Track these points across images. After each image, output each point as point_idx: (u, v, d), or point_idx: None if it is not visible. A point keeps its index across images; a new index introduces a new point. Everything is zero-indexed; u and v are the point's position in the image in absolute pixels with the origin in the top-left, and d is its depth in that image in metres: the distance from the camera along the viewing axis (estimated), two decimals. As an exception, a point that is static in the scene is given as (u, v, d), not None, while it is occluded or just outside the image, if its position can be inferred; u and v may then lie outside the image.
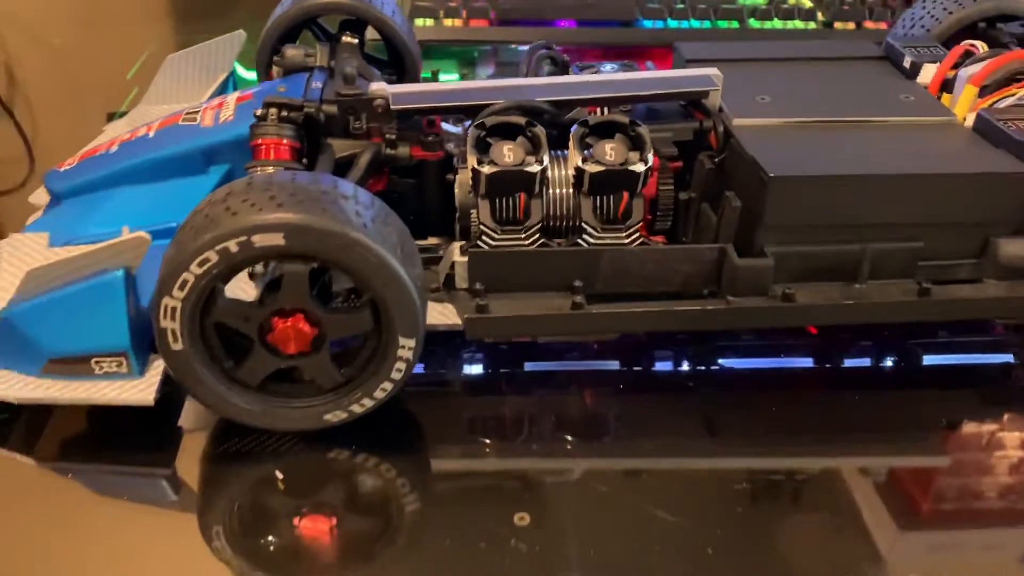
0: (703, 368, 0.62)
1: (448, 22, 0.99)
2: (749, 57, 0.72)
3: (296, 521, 0.51)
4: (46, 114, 1.04)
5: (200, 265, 0.47)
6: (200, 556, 0.49)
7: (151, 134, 0.63)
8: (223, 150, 0.61)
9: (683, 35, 0.99)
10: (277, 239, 0.47)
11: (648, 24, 1.01)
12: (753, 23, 1.01)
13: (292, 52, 0.66)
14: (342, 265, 0.48)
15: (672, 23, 1.01)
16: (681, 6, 1.01)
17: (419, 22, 0.99)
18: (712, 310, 0.58)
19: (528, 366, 0.62)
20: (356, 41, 0.74)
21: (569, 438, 0.56)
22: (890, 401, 0.60)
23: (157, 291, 0.48)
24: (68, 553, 0.50)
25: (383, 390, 0.52)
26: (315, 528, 0.51)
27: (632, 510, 0.52)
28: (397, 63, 0.78)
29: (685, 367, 0.62)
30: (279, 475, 0.53)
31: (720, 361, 0.62)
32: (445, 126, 0.65)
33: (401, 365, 0.51)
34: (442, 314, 0.59)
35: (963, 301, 0.59)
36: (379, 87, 0.63)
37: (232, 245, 0.46)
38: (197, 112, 0.63)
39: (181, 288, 0.47)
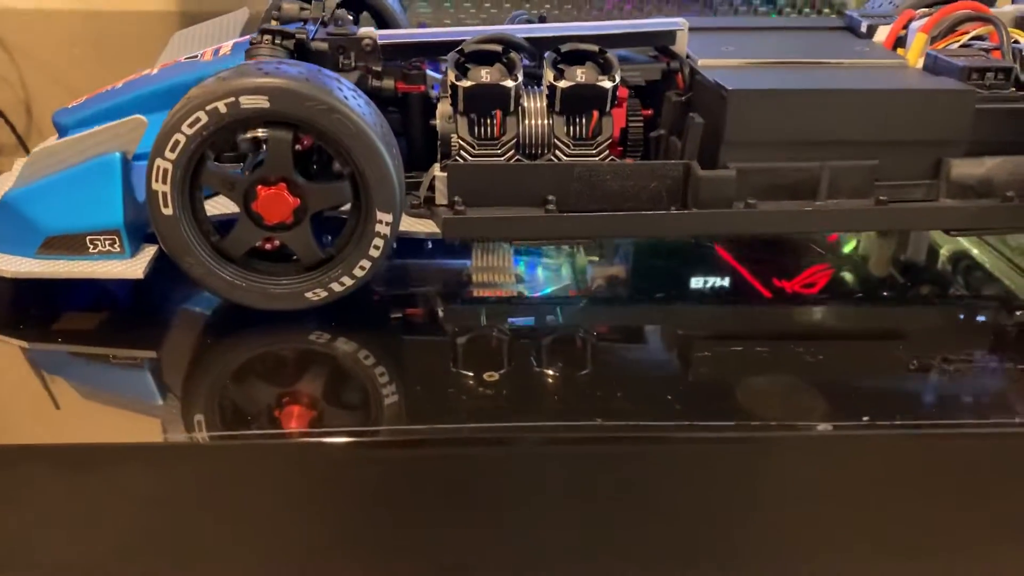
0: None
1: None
2: (717, 26, 0.77)
3: (278, 411, 0.53)
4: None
5: (191, 126, 0.50)
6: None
7: (155, 71, 0.67)
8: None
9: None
10: (262, 101, 0.50)
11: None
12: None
13: (288, 5, 0.71)
14: (323, 131, 0.51)
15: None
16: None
17: (415, 36, 1.05)
18: (676, 215, 0.61)
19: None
20: (351, 17, 0.79)
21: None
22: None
23: (151, 153, 0.51)
24: (44, 431, 0.51)
25: (362, 268, 0.54)
26: (296, 416, 0.53)
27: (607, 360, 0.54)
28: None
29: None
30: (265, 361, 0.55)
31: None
32: (429, 72, 0.70)
33: (379, 242, 0.54)
34: (421, 224, 0.62)
35: (917, 211, 0.62)
36: (367, 29, 0.67)
37: (221, 106, 0.50)
38: (198, 55, 0.68)
39: (173, 149, 0.50)
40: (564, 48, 0.63)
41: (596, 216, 0.61)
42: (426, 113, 0.66)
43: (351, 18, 0.79)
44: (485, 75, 0.61)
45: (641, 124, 0.66)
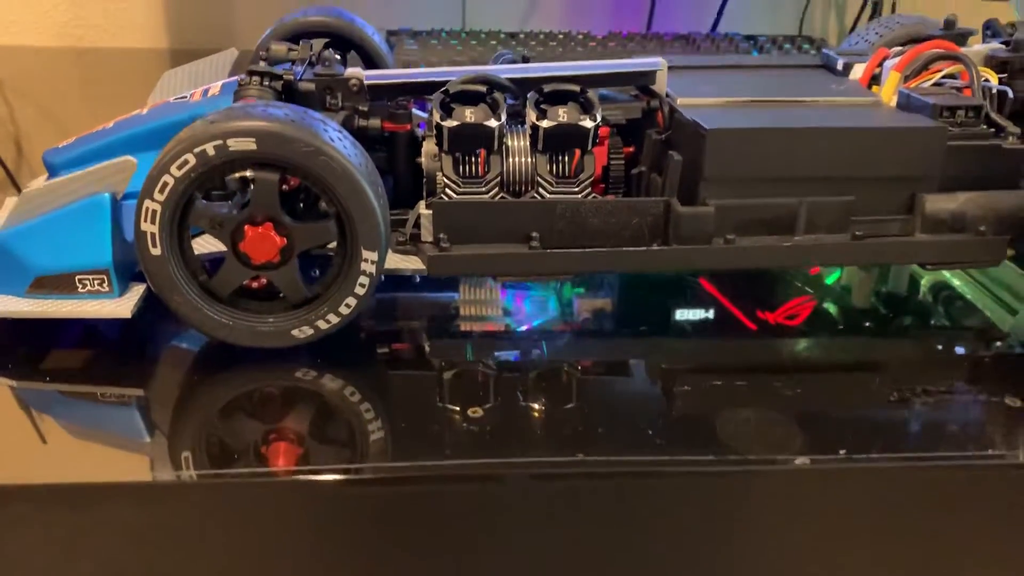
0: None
1: (429, 74, 1.07)
2: (696, 65, 0.78)
3: (265, 448, 0.53)
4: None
5: (179, 168, 0.51)
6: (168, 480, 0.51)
7: (144, 111, 0.68)
8: (213, 117, 0.66)
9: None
10: (250, 144, 0.51)
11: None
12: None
13: (276, 47, 0.72)
14: (309, 173, 0.52)
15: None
16: (644, 61, 1.08)
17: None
18: (657, 251, 0.62)
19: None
20: (338, 58, 0.80)
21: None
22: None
23: (140, 195, 0.52)
24: (31, 470, 0.51)
25: (348, 306, 0.55)
26: (283, 453, 0.54)
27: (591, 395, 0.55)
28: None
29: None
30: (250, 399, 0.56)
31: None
32: (415, 111, 0.71)
33: (364, 280, 0.54)
34: (407, 261, 0.62)
35: (893, 245, 0.63)
36: (354, 70, 0.68)
37: (209, 148, 0.51)
38: (187, 95, 0.69)
39: (162, 191, 0.51)
40: (546, 88, 0.65)
41: (579, 252, 0.62)
42: (412, 151, 0.67)
43: (338, 58, 0.81)
44: (470, 115, 0.63)
45: (623, 162, 0.67)
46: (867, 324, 0.68)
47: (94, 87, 1.31)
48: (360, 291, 0.55)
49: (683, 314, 0.69)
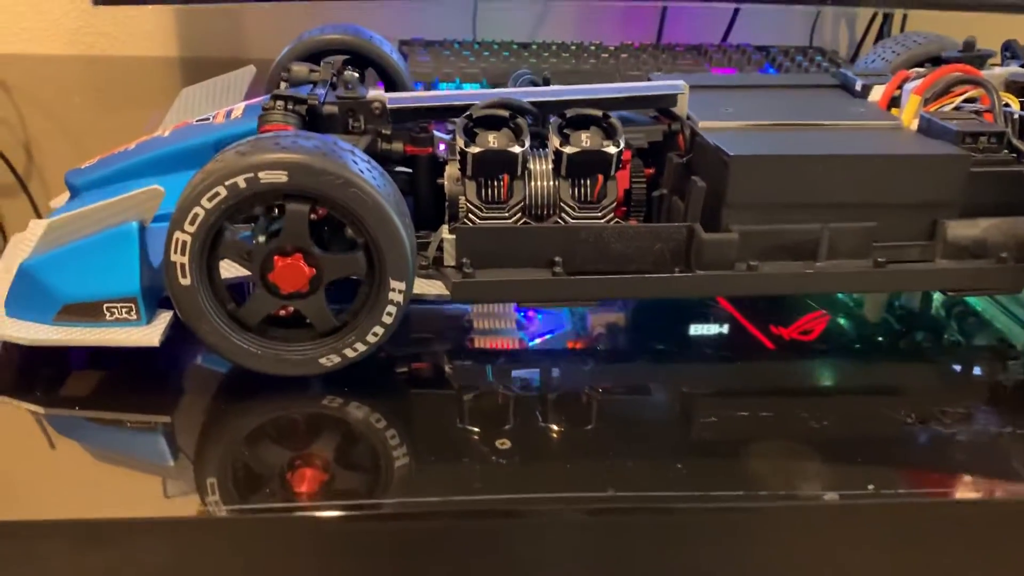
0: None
1: (443, 87, 1.07)
2: (715, 84, 0.78)
3: (290, 474, 0.53)
4: (60, 191, 1.10)
5: (210, 200, 0.51)
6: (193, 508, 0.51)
7: (166, 133, 0.68)
8: (233, 142, 0.66)
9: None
10: (281, 176, 0.51)
11: (627, 90, 1.08)
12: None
13: (297, 68, 0.72)
14: (339, 204, 0.52)
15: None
16: (659, 72, 1.08)
17: (415, 86, 1.06)
18: (681, 277, 0.62)
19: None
20: (356, 75, 0.80)
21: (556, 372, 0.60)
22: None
23: (170, 226, 0.52)
24: (58, 505, 0.51)
25: (375, 334, 0.55)
26: (308, 480, 0.54)
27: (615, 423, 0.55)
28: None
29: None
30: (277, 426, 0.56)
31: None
32: (437, 132, 0.71)
33: (392, 309, 0.54)
34: (430, 285, 0.62)
35: (915, 273, 0.63)
36: (377, 92, 0.68)
37: (240, 180, 0.51)
38: (209, 117, 0.69)
39: (192, 223, 0.51)
40: (569, 113, 0.65)
41: (602, 279, 0.62)
42: (434, 173, 0.67)
43: (358, 76, 0.81)
44: (493, 140, 0.63)
45: (644, 185, 0.67)
46: (884, 340, 0.69)
47: (104, 95, 1.30)
48: (388, 320, 0.55)
49: (699, 329, 0.70)
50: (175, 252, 0.52)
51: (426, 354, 0.64)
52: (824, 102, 0.74)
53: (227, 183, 0.51)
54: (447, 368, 0.63)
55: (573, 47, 1.15)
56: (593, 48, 1.15)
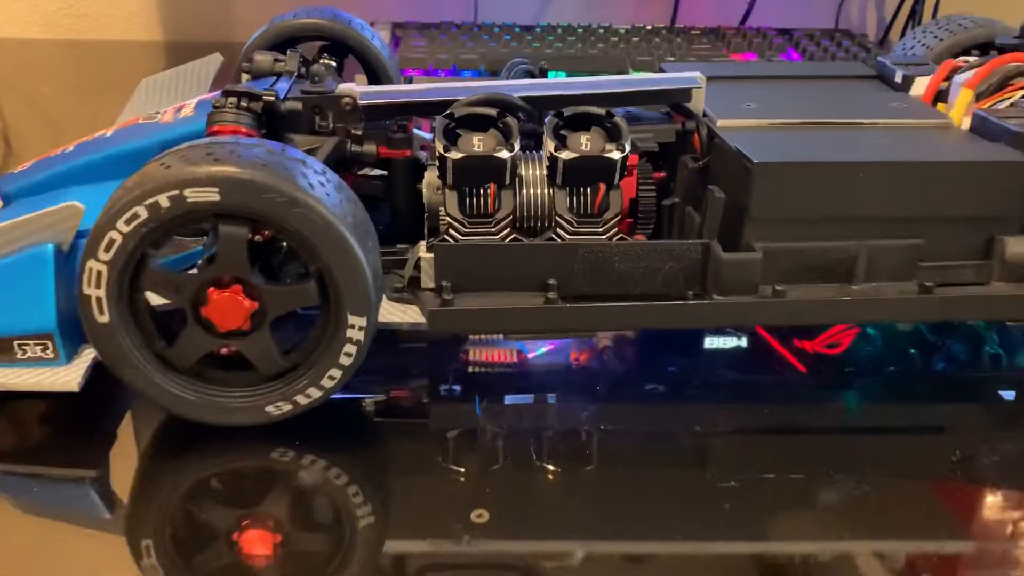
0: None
1: (438, 73, 0.97)
2: (736, 75, 0.68)
3: (236, 535, 0.45)
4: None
5: (128, 222, 0.42)
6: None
7: (109, 133, 0.59)
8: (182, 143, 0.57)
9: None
10: (212, 194, 0.41)
11: (638, 78, 0.98)
12: (744, 79, 0.98)
13: (260, 57, 0.62)
14: (284, 227, 0.43)
15: (663, 78, 0.98)
16: (672, 59, 0.98)
17: (408, 72, 0.97)
18: (695, 305, 0.52)
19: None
20: (333, 64, 0.71)
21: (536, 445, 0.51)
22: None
23: (84, 253, 0.43)
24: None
25: (331, 378, 0.46)
26: (257, 544, 0.45)
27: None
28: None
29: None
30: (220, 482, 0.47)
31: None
32: (417, 132, 0.61)
33: (351, 349, 0.45)
34: (405, 312, 0.53)
35: (968, 300, 0.54)
36: (347, 86, 0.59)
37: (163, 199, 0.41)
38: (159, 113, 0.59)
39: (107, 249, 0.42)
40: (567, 111, 0.55)
41: (603, 308, 0.52)
42: (413, 179, 0.58)
43: (334, 64, 0.71)
44: (477, 144, 0.53)
45: (653, 193, 0.58)
46: (919, 356, 0.59)
47: (86, 80, 1.22)
48: (346, 361, 0.45)
49: (715, 343, 0.60)
50: (89, 284, 0.43)
51: (398, 390, 0.55)
52: (860, 96, 0.64)
53: (147, 203, 0.41)
54: (423, 407, 0.54)
55: (580, 30, 1.05)
56: (602, 31, 1.05)
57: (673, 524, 0.45)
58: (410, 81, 0.79)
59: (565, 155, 0.53)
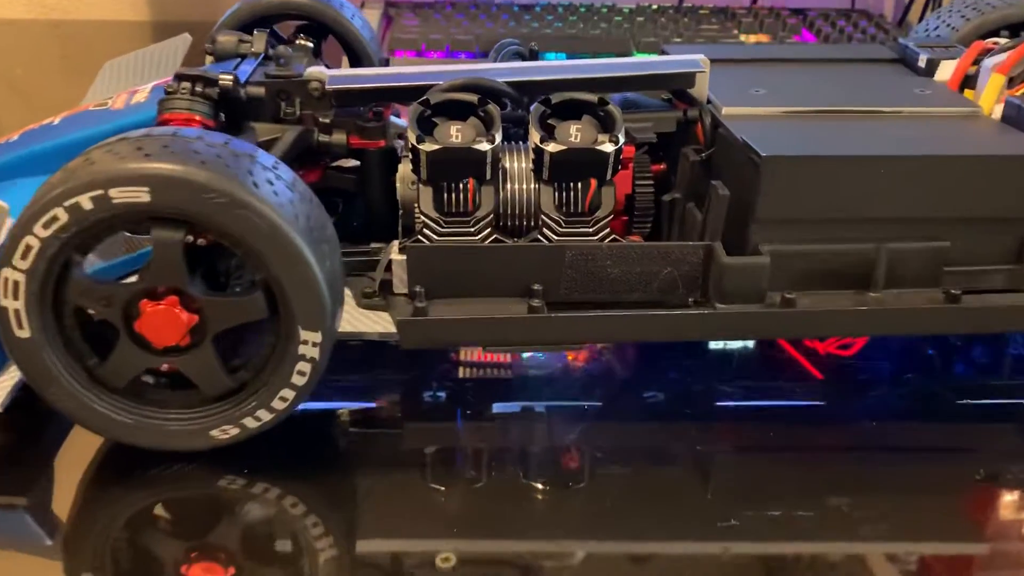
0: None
1: (431, 55, 0.91)
2: (744, 58, 0.62)
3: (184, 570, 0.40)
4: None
5: (46, 226, 0.36)
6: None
7: (56, 121, 0.54)
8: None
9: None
10: (141, 194, 0.36)
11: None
12: (755, 62, 0.92)
13: (224, 38, 0.57)
14: (225, 232, 0.37)
15: (669, 60, 0.92)
16: (678, 40, 0.92)
17: (399, 54, 0.91)
18: (696, 315, 0.47)
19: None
20: (310, 45, 0.65)
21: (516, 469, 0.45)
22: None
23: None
24: None
25: (283, 399, 0.40)
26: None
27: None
28: (358, 73, 0.69)
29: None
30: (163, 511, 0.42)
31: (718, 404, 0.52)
32: (395, 119, 0.56)
33: (304, 367, 0.40)
34: (374, 321, 0.48)
35: (1000, 310, 0.48)
36: (316, 69, 0.53)
37: (85, 200, 0.36)
38: (110, 99, 0.54)
39: (24, 256, 0.37)
40: (555, 98, 0.49)
41: (593, 318, 0.47)
42: (388, 171, 0.52)
43: (310, 45, 0.66)
44: (455, 134, 0.47)
45: (651, 188, 0.52)
46: (938, 359, 0.54)
47: (71, 61, 1.17)
48: (299, 381, 0.40)
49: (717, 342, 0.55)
50: (6, 295, 0.37)
51: (362, 406, 0.49)
52: (880, 82, 0.58)
53: (68, 204, 0.36)
54: (396, 419, 0.49)
55: (582, 9, 0.99)
56: (605, 10, 0.99)
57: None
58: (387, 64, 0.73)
59: (552, 147, 0.47)
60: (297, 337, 0.39)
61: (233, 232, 0.37)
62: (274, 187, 0.38)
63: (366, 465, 0.46)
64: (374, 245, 0.54)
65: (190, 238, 0.39)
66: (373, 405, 0.50)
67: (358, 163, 0.54)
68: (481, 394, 0.51)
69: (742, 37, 0.94)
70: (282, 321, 0.39)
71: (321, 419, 0.48)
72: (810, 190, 0.47)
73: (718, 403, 0.51)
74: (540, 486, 0.44)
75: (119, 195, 0.36)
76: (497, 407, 0.50)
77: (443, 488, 0.43)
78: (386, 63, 0.70)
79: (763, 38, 0.94)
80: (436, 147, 0.47)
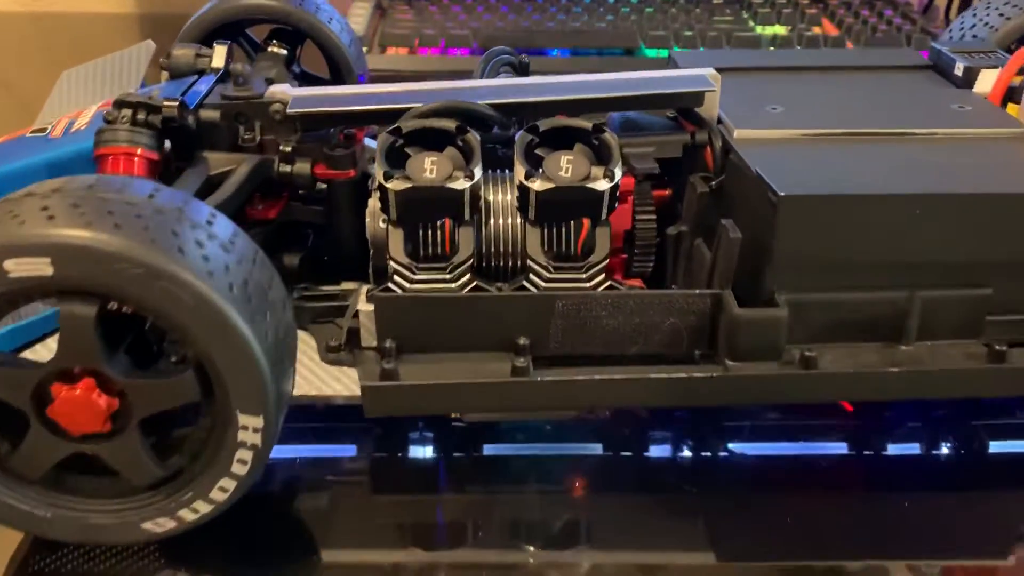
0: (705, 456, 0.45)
1: (424, 51, 0.85)
2: (759, 66, 0.56)
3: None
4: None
5: (-69, 303, 0.31)
6: None
7: (-10, 149, 0.48)
8: (71, 166, 0.45)
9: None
10: (42, 266, 0.30)
11: (652, 53, 0.84)
12: (772, 55, 0.85)
13: (180, 51, 0.51)
14: (144, 306, 0.32)
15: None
16: (689, 33, 0.85)
17: (392, 50, 0.84)
18: (703, 379, 0.40)
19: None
20: (284, 52, 0.59)
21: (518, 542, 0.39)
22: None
23: None
24: None
25: (222, 489, 0.35)
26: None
27: None
28: (338, 82, 0.63)
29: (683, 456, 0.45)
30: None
31: (729, 446, 0.45)
32: (369, 142, 0.50)
33: (245, 455, 0.34)
34: (339, 380, 0.42)
35: (1053, 369, 0.42)
36: (280, 88, 0.47)
37: (-26, 274, 0.30)
38: (50, 124, 0.48)
39: (-92, 337, 0.31)
40: (544, 125, 0.43)
41: (586, 381, 0.41)
42: (359, 204, 0.46)
43: (284, 53, 0.59)
44: (429, 168, 0.41)
45: (653, 223, 0.46)
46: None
47: (55, 54, 1.11)
48: (240, 470, 0.34)
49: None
50: None
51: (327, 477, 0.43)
52: (912, 95, 0.51)
53: (-46, 278, 0.30)
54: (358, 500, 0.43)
55: (587, 0, 0.92)
56: (611, 1, 0.92)
57: None
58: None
59: (538, 185, 0.41)
60: (235, 423, 0.33)
61: (153, 307, 0.31)
62: (204, 250, 0.32)
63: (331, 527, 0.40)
64: (344, 285, 0.48)
65: (113, 304, 0.33)
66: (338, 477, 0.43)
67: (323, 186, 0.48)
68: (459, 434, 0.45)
69: (758, 29, 0.87)
70: (217, 404, 0.33)
71: (279, 493, 0.42)
72: (834, 232, 0.41)
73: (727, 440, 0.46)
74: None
75: (16, 268, 0.30)
76: (483, 450, 0.44)
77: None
78: (364, 76, 0.63)
79: (780, 30, 0.87)
80: (406, 186, 0.40)
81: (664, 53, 0.84)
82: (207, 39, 0.59)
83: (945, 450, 0.45)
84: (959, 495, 0.43)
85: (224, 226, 0.34)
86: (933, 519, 0.41)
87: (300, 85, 0.64)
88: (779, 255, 0.41)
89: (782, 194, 0.40)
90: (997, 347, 0.41)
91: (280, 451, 0.38)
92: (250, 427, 0.33)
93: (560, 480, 0.43)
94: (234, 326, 0.32)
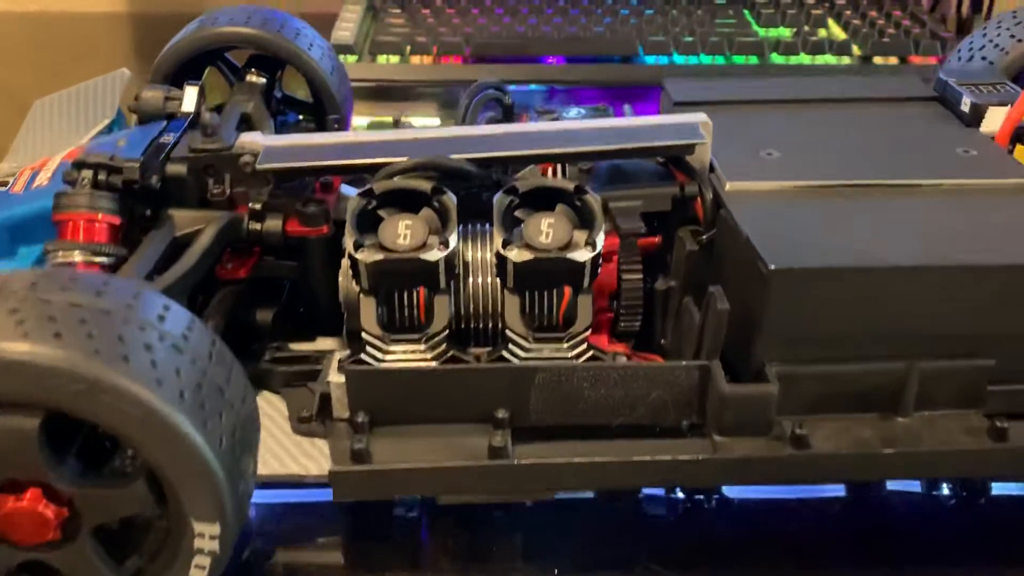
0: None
1: (416, 59, 0.82)
2: (755, 99, 0.53)
3: None
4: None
5: None
6: None
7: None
8: (33, 226, 0.43)
9: (691, 72, 0.80)
10: (-26, 384, 0.28)
11: (651, 60, 0.81)
12: (775, 58, 0.81)
13: (150, 94, 0.48)
14: (91, 419, 0.30)
15: (679, 59, 0.81)
16: (690, 39, 0.82)
17: (382, 59, 0.81)
18: (688, 461, 0.38)
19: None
20: (262, 81, 0.57)
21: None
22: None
23: None
24: None
25: (182, 594, 0.33)
26: None
27: None
28: (320, 108, 0.60)
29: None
30: None
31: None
32: (346, 189, 0.47)
33: (203, 560, 0.32)
34: (309, 456, 0.40)
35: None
36: (250, 138, 0.45)
37: (-102, 392, 0.28)
38: (10, 178, 0.46)
39: None
40: (523, 188, 0.41)
41: (567, 464, 0.39)
42: (334, 261, 0.44)
43: (262, 82, 0.57)
44: (403, 234, 0.39)
45: (640, 282, 0.43)
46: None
47: (46, 53, 1.08)
48: (199, 575, 0.33)
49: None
50: None
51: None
52: (916, 135, 0.48)
53: None
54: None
55: (584, 2, 0.88)
56: (610, 3, 0.88)
57: None
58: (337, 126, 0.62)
59: (515, 255, 0.38)
60: (190, 531, 0.31)
61: (99, 419, 0.29)
62: (153, 354, 0.30)
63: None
64: (320, 342, 0.46)
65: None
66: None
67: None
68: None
69: (761, 33, 0.84)
70: (171, 513, 0.32)
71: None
72: (828, 304, 0.38)
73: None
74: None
75: (-54, 386, 0.28)
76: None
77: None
78: (349, 97, 0.61)
79: (785, 33, 0.84)
80: (377, 257, 0.38)
81: (663, 60, 0.81)
82: (184, 68, 0.57)
83: (946, 490, 0.44)
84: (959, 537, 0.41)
85: (177, 320, 0.32)
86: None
87: (281, 110, 0.62)
88: (770, 327, 0.38)
89: (772, 267, 0.37)
90: (999, 424, 0.39)
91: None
92: (207, 534, 0.32)
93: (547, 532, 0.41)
94: (185, 436, 0.30)
